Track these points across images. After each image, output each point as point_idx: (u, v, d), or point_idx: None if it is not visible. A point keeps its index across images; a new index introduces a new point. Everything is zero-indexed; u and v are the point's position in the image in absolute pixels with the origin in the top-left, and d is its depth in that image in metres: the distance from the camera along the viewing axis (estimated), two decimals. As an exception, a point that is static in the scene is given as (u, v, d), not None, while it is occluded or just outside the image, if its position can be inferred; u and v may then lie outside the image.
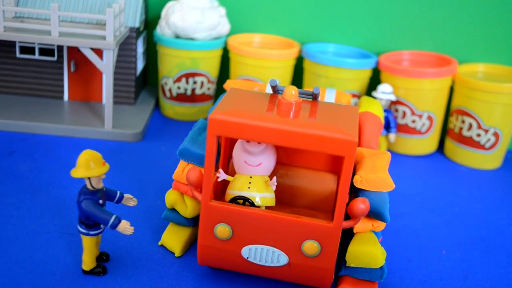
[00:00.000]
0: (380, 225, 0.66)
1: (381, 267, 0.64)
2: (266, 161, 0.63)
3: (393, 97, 0.99)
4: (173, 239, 0.70)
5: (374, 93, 0.99)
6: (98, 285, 0.63)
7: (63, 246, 0.69)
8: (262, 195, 0.62)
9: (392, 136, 1.00)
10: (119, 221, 0.61)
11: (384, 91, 0.99)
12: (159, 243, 0.71)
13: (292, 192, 0.70)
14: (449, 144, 1.04)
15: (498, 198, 0.92)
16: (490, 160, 1.01)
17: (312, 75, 1.04)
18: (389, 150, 1.04)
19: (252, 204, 0.62)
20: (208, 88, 1.08)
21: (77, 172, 0.60)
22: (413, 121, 1.01)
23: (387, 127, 1.00)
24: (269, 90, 0.77)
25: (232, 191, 0.63)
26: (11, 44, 1.03)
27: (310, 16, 1.10)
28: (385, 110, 0.98)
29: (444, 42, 1.08)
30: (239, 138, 0.60)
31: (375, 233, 0.67)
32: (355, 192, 0.67)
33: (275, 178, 0.63)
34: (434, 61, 1.06)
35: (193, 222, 0.70)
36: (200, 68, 1.06)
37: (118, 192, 0.65)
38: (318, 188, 0.69)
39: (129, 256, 0.68)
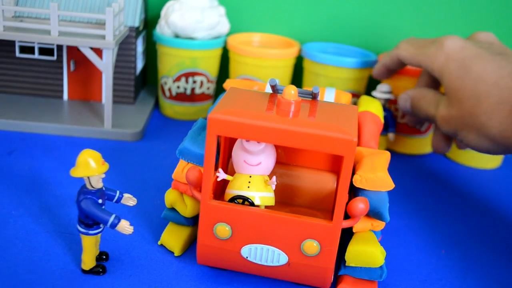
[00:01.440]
0: (380, 225, 0.66)
1: (381, 267, 0.64)
2: (266, 160, 0.63)
3: (391, 96, 0.98)
4: (173, 238, 0.70)
5: (373, 93, 0.98)
6: (98, 284, 0.63)
7: (63, 245, 0.69)
8: (262, 194, 0.62)
9: (391, 135, 0.99)
10: (119, 221, 0.61)
11: (383, 91, 0.97)
12: (159, 243, 0.71)
13: (291, 192, 0.70)
14: (449, 143, 1.04)
15: (498, 197, 0.92)
16: (490, 160, 1.01)
17: (312, 74, 1.04)
18: (388, 149, 1.04)
19: (251, 204, 0.62)
20: (208, 88, 1.08)
21: (77, 172, 0.60)
22: (413, 121, 1.01)
23: (386, 126, 0.99)
24: (268, 90, 0.77)
25: (232, 191, 0.63)
26: (11, 43, 1.03)
27: (309, 15, 1.10)
28: (385, 109, 0.97)
29: (443, 42, 1.08)
30: (239, 137, 0.60)
31: (375, 232, 0.67)
32: (354, 191, 0.67)
33: (274, 177, 0.63)
34: (433, 61, 1.06)
35: (192, 221, 0.70)
36: (200, 68, 1.06)
37: (118, 192, 0.65)
38: (317, 188, 0.69)
39: (128, 256, 0.68)
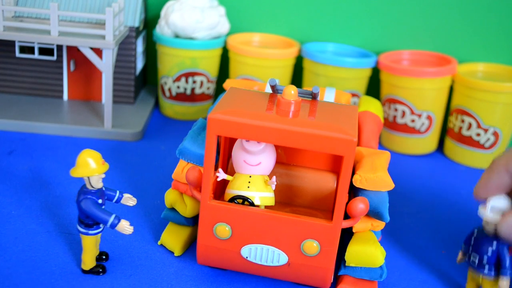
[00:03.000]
0: (380, 225, 0.66)
1: (381, 267, 0.64)
2: (266, 160, 0.63)
3: None
4: (173, 238, 0.70)
5: (482, 212, 0.62)
6: (98, 284, 0.63)
7: (63, 245, 0.69)
8: (262, 194, 0.62)
9: (504, 282, 0.62)
10: (119, 221, 0.61)
11: (500, 208, 0.62)
12: (159, 243, 0.71)
13: (291, 192, 0.70)
14: (449, 143, 1.04)
15: (497, 197, 0.92)
16: (490, 160, 1.01)
17: (312, 74, 1.04)
18: (388, 149, 1.04)
19: (251, 204, 0.62)
20: (208, 88, 1.08)
21: (77, 172, 0.60)
22: (412, 121, 1.01)
23: (496, 266, 0.63)
24: (268, 90, 0.77)
25: (232, 191, 0.63)
26: (11, 43, 1.03)
27: (309, 15, 1.10)
28: (497, 241, 0.62)
29: (443, 42, 1.08)
30: (239, 137, 0.60)
31: (375, 232, 0.67)
32: (354, 191, 0.67)
33: (274, 177, 0.63)
34: (433, 61, 1.06)
35: (192, 221, 0.71)
36: (200, 68, 1.06)
37: (118, 192, 0.65)
38: (317, 188, 0.69)
39: (128, 256, 0.68)
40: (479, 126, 0.99)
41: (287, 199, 0.70)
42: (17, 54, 1.03)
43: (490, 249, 0.62)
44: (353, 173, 0.66)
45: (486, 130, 0.99)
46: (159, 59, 1.08)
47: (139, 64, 1.10)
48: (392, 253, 0.74)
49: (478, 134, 0.99)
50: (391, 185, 0.66)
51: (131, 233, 0.62)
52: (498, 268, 0.62)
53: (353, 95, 1.03)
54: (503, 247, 0.62)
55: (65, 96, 1.07)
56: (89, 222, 0.62)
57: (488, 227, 0.62)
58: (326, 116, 0.60)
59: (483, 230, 0.63)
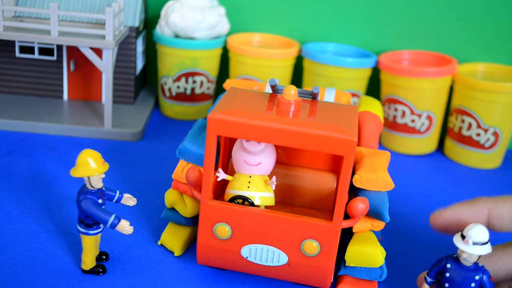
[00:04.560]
0: (380, 225, 0.66)
1: (381, 267, 0.64)
2: (266, 160, 0.63)
3: (488, 249, 0.57)
4: (173, 238, 0.70)
5: (459, 244, 0.58)
6: (98, 284, 0.63)
7: (63, 245, 0.69)
8: (262, 194, 0.62)
9: None
10: (119, 221, 0.61)
11: (480, 241, 0.57)
12: (159, 243, 0.71)
13: (291, 192, 0.70)
14: (449, 143, 1.04)
15: (497, 197, 0.92)
16: (490, 160, 1.01)
17: (312, 74, 1.04)
18: (388, 149, 1.04)
19: (251, 204, 0.62)
20: (208, 88, 1.08)
21: (77, 172, 0.60)
22: (413, 121, 1.01)
23: None
24: (268, 90, 0.77)
25: (232, 191, 0.63)
26: (11, 43, 1.03)
27: (309, 15, 1.10)
28: (477, 271, 0.58)
29: (443, 42, 1.08)
30: (239, 137, 0.60)
31: (375, 232, 0.67)
32: (354, 191, 0.67)
33: (274, 177, 0.63)
34: (433, 61, 1.06)
35: (192, 221, 0.71)
36: (200, 68, 1.06)
37: (118, 192, 0.65)
38: (317, 188, 0.69)
39: (128, 256, 0.68)
40: (479, 126, 0.99)
41: (287, 199, 0.70)
42: (17, 54, 1.03)
43: (472, 283, 0.58)
44: (353, 173, 0.66)
45: (486, 130, 0.99)
46: (159, 59, 1.08)
47: (139, 64, 1.10)
48: (392, 253, 0.74)
49: (478, 134, 0.99)
50: (391, 185, 0.66)
51: (131, 233, 0.62)
52: None
53: (353, 95, 1.03)
54: (484, 276, 0.58)
55: (65, 96, 1.07)
56: (89, 222, 0.62)
57: (470, 259, 0.57)
58: (326, 116, 0.60)
59: (457, 262, 0.59)
